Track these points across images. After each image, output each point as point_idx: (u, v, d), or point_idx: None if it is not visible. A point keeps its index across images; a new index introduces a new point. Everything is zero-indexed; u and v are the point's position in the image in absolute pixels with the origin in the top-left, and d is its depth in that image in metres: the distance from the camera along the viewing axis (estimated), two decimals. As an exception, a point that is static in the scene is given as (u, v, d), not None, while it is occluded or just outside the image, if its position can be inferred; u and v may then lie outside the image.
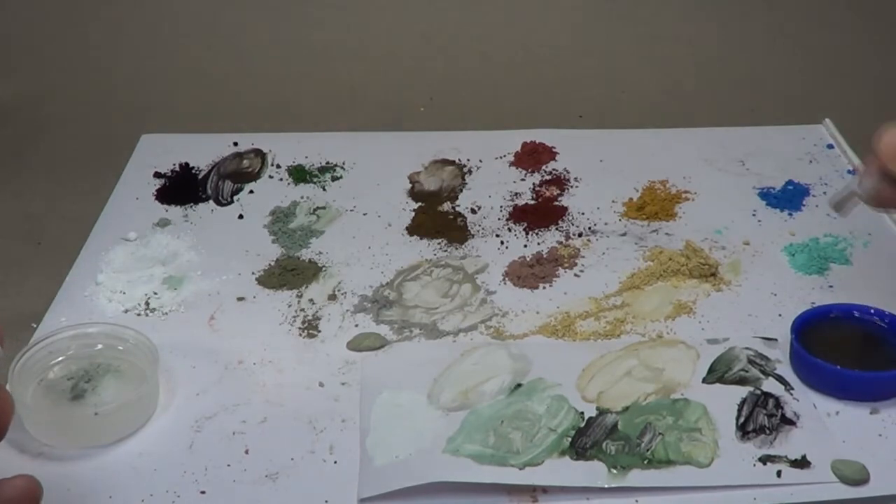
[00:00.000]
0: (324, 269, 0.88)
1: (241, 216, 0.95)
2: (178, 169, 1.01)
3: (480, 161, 1.04)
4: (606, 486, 0.66)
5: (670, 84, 1.29)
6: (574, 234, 0.92)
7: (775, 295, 0.84)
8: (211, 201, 0.97)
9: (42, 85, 1.27)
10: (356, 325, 0.81)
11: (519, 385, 0.74)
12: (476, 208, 0.96)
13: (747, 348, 0.77)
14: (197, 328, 0.81)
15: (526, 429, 0.70)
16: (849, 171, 1.02)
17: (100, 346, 0.75)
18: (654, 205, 0.96)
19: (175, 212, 0.95)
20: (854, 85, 1.26)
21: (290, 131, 1.09)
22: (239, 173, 1.02)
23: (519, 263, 0.88)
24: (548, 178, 1.01)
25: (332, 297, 0.84)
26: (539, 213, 0.95)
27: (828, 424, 0.71)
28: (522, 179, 1.01)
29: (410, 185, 1.00)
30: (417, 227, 0.93)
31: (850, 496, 0.66)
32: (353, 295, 0.84)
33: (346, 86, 1.28)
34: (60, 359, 0.74)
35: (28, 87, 1.26)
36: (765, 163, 1.03)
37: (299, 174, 1.01)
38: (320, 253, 0.90)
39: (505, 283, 0.86)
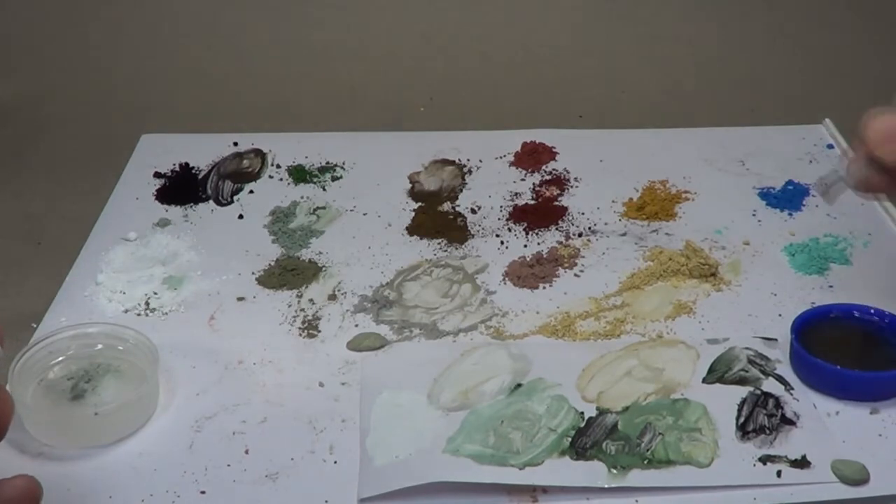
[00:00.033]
0: (324, 269, 0.88)
1: (241, 216, 0.95)
2: (178, 169, 1.01)
3: (480, 161, 1.04)
4: (606, 486, 0.66)
5: (670, 84, 1.30)
6: (574, 234, 0.92)
7: (775, 295, 0.84)
8: (211, 201, 0.97)
9: (42, 85, 1.27)
10: (356, 325, 0.81)
11: (519, 385, 0.74)
12: (476, 208, 0.96)
13: (747, 348, 0.77)
14: (197, 328, 0.80)
15: (526, 429, 0.70)
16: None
17: (100, 346, 0.75)
18: (654, 205, 0.96)
19: (175, 212, 0.95)
20: (854, 85, 1.26)
21: (290, 131, 1.09)
22: (239, 173, 1.02)
23: (519, 263, 0.88)
24: (548, 178, 1.01)
25: (332, 297, 0.84)
26: (539, 213, 0.95)
27: (828, 424, 0.71)
28: (522, 179, 1.01)
29: (410, 185, 1.00)
30: (417, 227, 0.93)
31: (850, 496, 0.66)
32: (353, 295, 0.84)
33: (346, 86, 1.28)
34: (60, 359, 0.74)
35: (28, 87, 1.26)
36: (765, 163, 1.03)
37: (299, 174, 1.01)
38: (320, 253, 0.90)
39: (505, 283, 0.86)
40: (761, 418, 0.71)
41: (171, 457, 0.68)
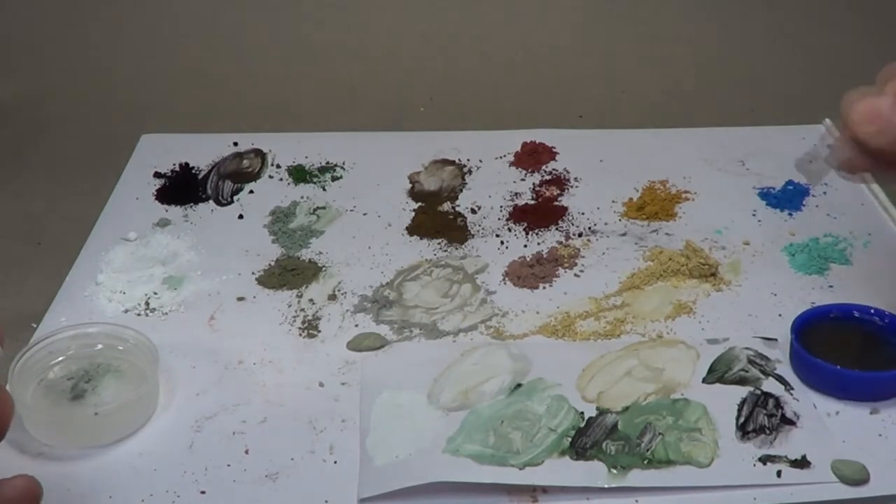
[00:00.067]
0: (324, 269, 0.88)
1: (241, 216, 0.95)
2: (178, 169, 1.01)
3: (480, 161, 1.04)
4: (606, 486, 0.66)
5: (670, 84, 1.30)
6: (574, 234, 0.92)
7: (775, 295, 0.84)
8: (211, 201, 0.97)
9: (42, 85, 1.27)
10: (356, 325, 0.81)
11: (519, 385, 0.74)
12: (476, 208, 0.96)
13: (747, 348, 0.77)
14: (197, 328, 0.80)
15: (526, 429, 0.70)
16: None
17: (100, 346, 0.75)
18: (654, 205, 0.96)
19: (175, 212, 0.95)
20: (854, 85, 1.26)
21: (290, 131, 1.09)
22: (239, 173, 1.02)
23: (519, 263, 0.88)
24: (548, 178, 1.01)
25: (332, 297, 0.84)
26: (539, 213, 0.95)
27: (828, 424, 0.71)
28: (522, 179, 1.01)
29: (410, 185, 1.00)
30: (417, 227, 0.93)
31: (850, 496, 0.66)
32: (353, 295, 0.84)
33: (346, 86, 1.28)
34: (60, 359, 0.74)
35: (28, 87, 1.26)
36: (765, 163, 1.03)
37: (299, 174, 1.01)
38: (320, 253, 0.90)
39: (505, 283, 0.86)
40: (761, 418, 0.71)
41: (171, 457, 0.68)
